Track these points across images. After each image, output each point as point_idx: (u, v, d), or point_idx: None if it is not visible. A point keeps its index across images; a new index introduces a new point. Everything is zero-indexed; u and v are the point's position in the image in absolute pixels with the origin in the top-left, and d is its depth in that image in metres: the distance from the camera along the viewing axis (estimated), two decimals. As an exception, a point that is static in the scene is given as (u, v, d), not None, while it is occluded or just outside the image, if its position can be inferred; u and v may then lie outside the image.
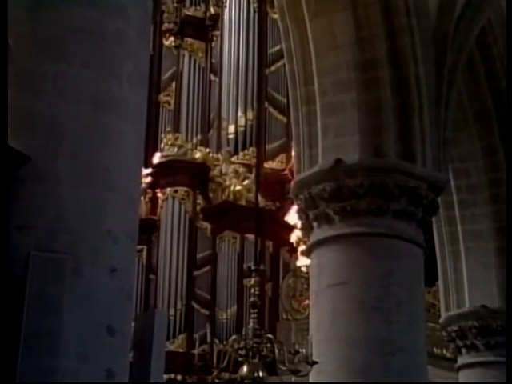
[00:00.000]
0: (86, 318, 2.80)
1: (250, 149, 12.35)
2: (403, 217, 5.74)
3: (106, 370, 2.81)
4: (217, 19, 12.87)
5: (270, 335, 5.82)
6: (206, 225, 11.56)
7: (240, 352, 5.52)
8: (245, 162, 12.23)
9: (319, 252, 5.83)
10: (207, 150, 12.17)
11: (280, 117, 12.52)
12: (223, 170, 11.90)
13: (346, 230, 5.73)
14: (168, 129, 12.34)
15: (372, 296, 5.50)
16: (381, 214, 5.71)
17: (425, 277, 5.84)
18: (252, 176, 11.71)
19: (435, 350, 9.58)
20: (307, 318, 6.36)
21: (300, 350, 5.61)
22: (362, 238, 5.68)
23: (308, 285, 6.81)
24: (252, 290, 6.34)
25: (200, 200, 11.72)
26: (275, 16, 11.51)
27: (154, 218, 11.78)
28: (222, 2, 12.66)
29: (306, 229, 6.09)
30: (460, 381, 7.74)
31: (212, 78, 13.03)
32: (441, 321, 8.14)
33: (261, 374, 5.44)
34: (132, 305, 3.16)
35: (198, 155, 11.95)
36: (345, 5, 5.77)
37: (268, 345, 5.56)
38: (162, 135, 12.25)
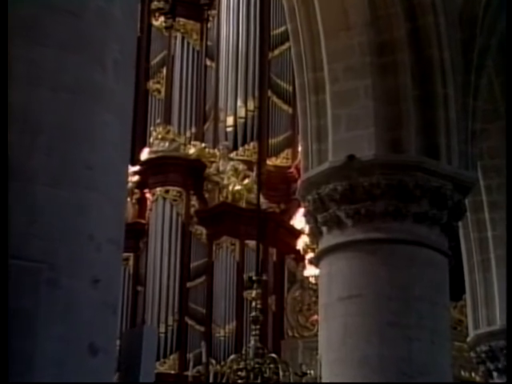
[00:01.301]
0: (64, 336, 2.78)
1: (251, 143, 12.37)
2: (425, 221, 5.74)
3: (88, 395, 2.80)
4: (213, -4, 12.88)
5: (273, 355, 5.83)
6: (201, 229, 11.57)
7: (240, 374, 5.52)
8: (245, 158, 12.25)
9: (329, 260, 5.83)
10: (202, 144, 12.18)
11: (285, 107, 12.53)
12: (220, 168, 11.91)
13: (359, 236, 5.73)
14: (158, 121, 12.35)
15: (389, 310, 5.50)
16: (399, 218, 5.71)
17: (450, 289, 5.84)
18: (253, 174, 11.72)
19: (462, 373, 9.56)
20: (316, 335, 6.36)
21: (308, 372, 5.61)
22: (378, 245, 5.69)
23: (317, 297, 6.80)
24: (253, 304, 6.35)
25: (194, 201, 11.73)
26: (279, -7, 11.53)
27: (142, 221, 11.79)
28: (220, -22, 12.66)
29: (315, 234, 6.09)
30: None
31: (208, 63, 13.05)
32: (468, 340, 8.12)
33: (263, 398, 5.44)
34: (117, 320, 3.14)
35: (191, 151, 11.97)
36: (358, -20, 5.79)
37: (271, 365, 5.57)
38: (151, 128, 12.26)
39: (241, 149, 12.34)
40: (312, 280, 11.16)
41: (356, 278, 5.63)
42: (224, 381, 5.37)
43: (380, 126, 5.82)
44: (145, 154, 11.95)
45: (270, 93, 12.52)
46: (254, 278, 6.53)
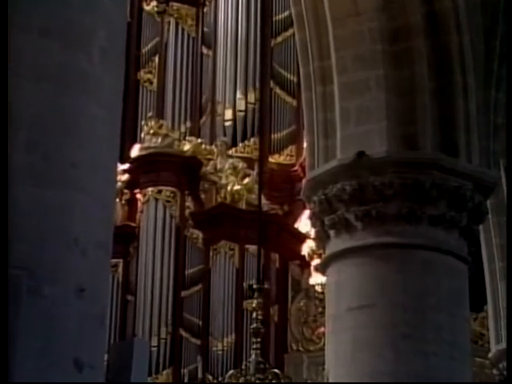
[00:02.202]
0: (46, 350, 2.78)
1: (252, 139, 12.37)
2: (442, 224, 5.73)
3: (73, 415, 2.80)
4: (210, -22, 12.88)
5: (276, 370, 5.83)
6: (197, 233, 11.58)
7: (239, 391, 5.52)
8: (245, 155, 12.25)
9: (337, 267, 5.83)
10: (198, 140, 12.19)
11: (289, 99, 12.54)
12: (218, 166, 11.92)
13: (370, 240, 5.72)
14: (150, 114, 12.36)
15: (404, 322, 5.50)
16: (414, 221, 5.70)
17: (470, 299, 5.83)
18: (254, 173, 11.72)
19: (484, 391, 9.53)
20: (322, 349, 6.35)
21: (313, 389, 5.60)
22: (391, 250, 5.69)
23: (323, 308, 6.79)
24: (254, 315, 6.35)
25: (189, 202, 11.74)
26: (283, -26, 11.53)
27: (133, 224, 11.80)
28: (217, -43, 12.66)
29: (321, 238, 6.08)
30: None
31: (204, 51, 13.05)
32: (490, 355, 8.10)
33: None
34: (104, 333, 3.14)
35: (186, 147, 11.97)
36: (369, -40, 5.79)
37: (274, 382, 5.56)
38: (143, 122, 12.27)
39: (240, 145, 12.34)
40: (318, 289, 11.16)
41: (367, 287, 5.62)
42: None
43: (393, 120, 5.82)
44: (135, 151, 11.95)
45: (272, 84, 12.52)
46: (254, 286, 6.54)
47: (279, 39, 12.64)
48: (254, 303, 6.45)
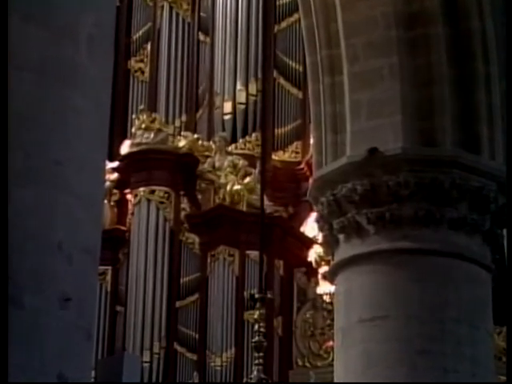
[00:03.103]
0: (28, 366, 2.79)
1: (253, 134, 12.39)
2: (463, 228, 5.73)
3: None
4: (207, -42, 12.90)
5: (280, 388, 5.82)
6: (194, 238, 11.59)
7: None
8: (246, 152, 12.27)
9: (347, 275, 5.82)
10: (195, 135, 12.21)
11: (294, 91, 12.55)
12: (216, 164, 11.93)
13: (383, 246, 5.72)
14: (141, 107, 12.38)
15: (420, 335, 5.49)
16: (432, 224, 5.69)
17: (494, 311, 5.82)
18: (256, 171, 11.73)
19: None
20: (331, 364, 6.36)
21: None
22: (407, 257, 5.67)
23: (332, 320, 6.78)
24: (256, 327, 6.36)
25: (185, 204, 11.75)
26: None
27: (122, 228, 11.82)
28: None
29: (329, 243, 6.08)
30: None
31: (201, 37, 13.07)
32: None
33: None
34: (91, 347, 3.15)
35: (182, 143, 11.99)
36: None
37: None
38: (133, 116, 12.29)
39: (241, 141, 12.35)
40: (326, 299, 11.17)
41: (380, 297, 5.60)
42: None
43: (408, 114, 5.81)
44: (125, 147, 11.97)
45: (275, 73, 12.53)
46: (256, 295, 6.54)
47: (283, 25, 12.65)
48: (256, 314, 6.46)
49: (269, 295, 6.78)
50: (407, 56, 5.85)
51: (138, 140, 11.81)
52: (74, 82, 3.09)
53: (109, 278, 11.62)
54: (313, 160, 6.41)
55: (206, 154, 11.99)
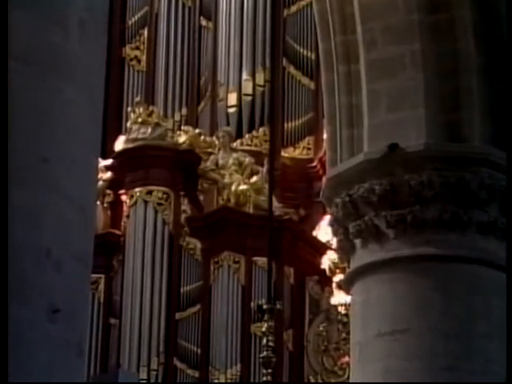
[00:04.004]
0: (14, 382, 2.79)
1: (261, 129, 12.40)
2: (493, 232, 5.72)
3: None
4: None
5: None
6: (195, 243, 11.60)
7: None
8: (253, 148, 12.28)
9: (365, 284, 5.82)
10: (196, 130, 12.21)
11: (305, 80, 12.56)
12: (220, 161, 11.94)
13: (405, 252, 5.71)
14: (137, 99, 12.40)
15: (446, 351, 5.49)
16: (459, 228, 5.69)
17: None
18: (263, 170, 11.73)
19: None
20: (346, 382, 6.35)
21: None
22: (430, 264, 5.67)
23: (348, 333, 6.76)
24: (264, 341, 6.35)
25: (185, 206, 11.76)
26: None
27: (117, 232, 11.83)
28: None
29: (345, 249, 6.08)
30: None
31: (203, 23, 13.08)
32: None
33: None
34: (83, 363, 3.15)
35: (182, 139, 12.00)
36: None
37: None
38: (129, 109, 12.31)
39: (247, 136, 12.36)
40: (341, 310, 11.17)
41: (401, 308, 5.60)
42: None
43: (432, 106, 5.81)
44: (120, 144, 11.99)
45: (285, 62, 12.53)
46: (264, 306, 6.54)
47: (293, 8, 12.66)
48: (264, 327, 6.46)
49: (278, 306, 6.78)
50: (430, 42, 5.85)
51: (133, 135, 11.83)
52: (63, 71, 3.09)
53: (102, 287, 11.64)
54: (326, 157, 6.42)
55: (209, 150, 11.99)
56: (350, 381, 5.93)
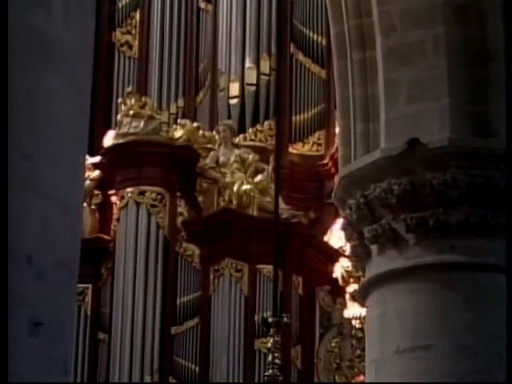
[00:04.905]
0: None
1: (266, 122, 12.41)
2: (526, 237, 5.71)
3: None
4: None
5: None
6: (193, 249, 11.61)
7: None
8: (257, 144, 12.29)
9: (382, 295, 5.82)
10: (194, 124, 12.22)
11: (315, 69, 12.56)
12: (221, 159, 11.95)
13: (427, 259, 5.71)
14: (129, 89, 12.41)
15: (472, 370, 5.49)
16: (487, 233, 5.69)
17: None
18: (269, 168, 11.74)
19: None
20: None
21: None
22: (455, 273, 5.67)
23: (363, 350, 6.76)
24: (269, 358, 6.35)
25: (182, 208, 11.77)
26: None
27: (106, 237, 11.85)
28: None
29: (360, 256, 6.08)
30: None
31: (202, 5, 13.11)
32: None
33: None
34: (69, 381, 3.15)
35: (178, 133, 12.01)
36: None
37: None
38: (119, 100, 12.32)
39: (250, 130, 12.37)
40: (356, 324, 11.17)
41: (422, 322, 5.58)
42: None
43: (457, 97, 5.80)
44: (109, 139, 12.00)
45: (292, 48, 12.54)
46: (270, 320, 6.54)
47: (302, -12, 12.67)
48: (270, 343, 6.47)
49: (285, 319, 6.78)
50: (455, 26, 5.85)
51: (124, 130, 11.83)
52: (46, 58, 3.09)
53: (89, 298, 11.65)
54: (339, 154, 6.42)
55: (208, 146, 12.00)
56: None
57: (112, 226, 11.78)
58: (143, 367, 11.13)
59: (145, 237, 11.49)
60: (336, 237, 11.31)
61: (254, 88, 12.33)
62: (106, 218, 11.93)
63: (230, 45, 12.45)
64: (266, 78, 12.36)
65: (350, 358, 11.30)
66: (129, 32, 13.15)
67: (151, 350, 11.18)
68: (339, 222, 9.10)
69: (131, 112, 11.85)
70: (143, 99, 12.08)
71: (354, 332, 11.23)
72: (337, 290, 11.45)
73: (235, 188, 11.62)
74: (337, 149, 8.29)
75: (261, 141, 12.30)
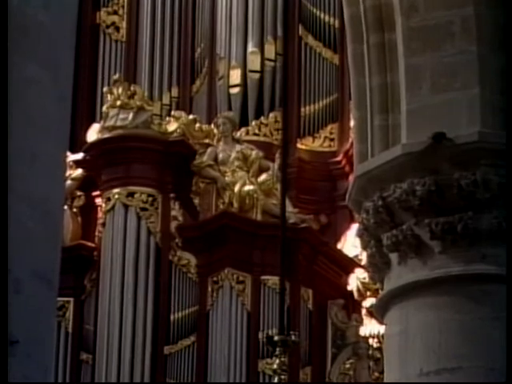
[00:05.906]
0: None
1: (271, 114, 12.42)
2: None
3: None
4: None
5: None
6: (189, 258, 11.62)
7: None
8: (261, 139, 12.29)
9: (403, 310, 5.83)
10: (190, 116, 12.23)
11: (327, 54, 12.57)
12: (220, 155, 11.96)
13: (453, 270, 5.72)
14: (115, 77, 12.42)
15: (506, 395, 5.48)
16: (523, 240, 5.68)
17: None
18: (275, 166, 11.74)
19: None
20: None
21: None
22: (486, 286, 5.67)
23: (381, 372, 6.76)
24: (275, 381, 6.36)
25: (176, 211, 11.78)
26: None
27: (90, 244, 11.86)
28: None
29: (378, 266, 6.09)
30: None
31: (199, -19, 13.09)
32: None
33: None
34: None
35: (172, 127, 12.02)
36: None
37: None
38: (105, 89, 12.33)
39: (254, 123, 12.38)
40: (373, 343, 11.18)
41: (449, 341, 5.59)
42: None
43: (488, 86, 5.81)
44: (93, 133, 12.02)
45: (301, 30, 12.55)
46: (276, 338, 6.55)
47: (312, -37, 12.69)
48: (275, 364, 6.48)
49: (293, 337, 6.79)
50: (486, 7, 5.85)
51: (110, 123, 11.85)
52: (24, 43, 3.10)
53: (70, 313, 11.66)
54: (354, 150, 6.42)
55: (206, 141, 12.01)
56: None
57: (96, 232, 11.79)
58: (132, 392, 11.15)
59: (134, 244, 11.50)
60: (351, 244, 11.31)
61: (257, 75, 12.34)
62: (89, 222, 11.94)
63: (230, 27, 12.46)
64: (272, 64, 12.37)
65: (367, 379, 11.30)
66: (115, 12, 13.16)
67: (141, 373, 11.19)
68: (354, 227, 9.11)
69: (118, 103, 11.86)
70: (132, 88, 12.09)
71: (371, 352, 11.23)
72: (352, 305, 11.46)
73: (236, 189, 11.63)
74: (351, 144, 8.30)
75: (265, 135, 12.30)
